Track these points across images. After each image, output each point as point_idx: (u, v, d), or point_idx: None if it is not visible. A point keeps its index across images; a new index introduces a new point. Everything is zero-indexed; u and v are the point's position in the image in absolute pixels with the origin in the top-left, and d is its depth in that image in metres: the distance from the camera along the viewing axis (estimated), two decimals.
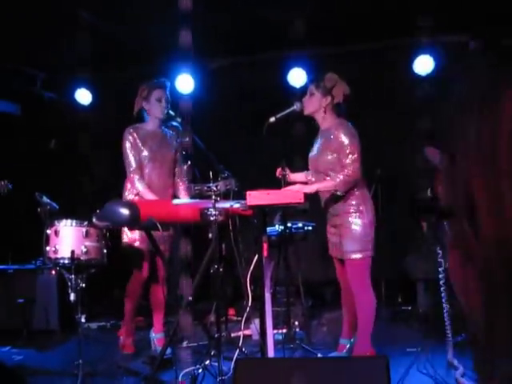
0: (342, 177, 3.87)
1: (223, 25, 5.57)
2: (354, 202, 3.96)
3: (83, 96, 6.66)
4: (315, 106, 4.07)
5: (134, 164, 4.43)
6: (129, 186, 4.50)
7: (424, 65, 5.69)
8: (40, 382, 3.62)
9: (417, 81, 5.77)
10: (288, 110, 4.10)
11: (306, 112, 4.12)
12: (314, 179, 4.16)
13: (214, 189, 3.80)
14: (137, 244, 4.41)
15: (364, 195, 4.02)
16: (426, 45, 5.62)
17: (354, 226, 3.93)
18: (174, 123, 4.67)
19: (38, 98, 6.81)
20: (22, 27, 5.41)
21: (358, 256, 3.91)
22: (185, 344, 4.76)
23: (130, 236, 4.45)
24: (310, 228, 5.08)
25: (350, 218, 3.94)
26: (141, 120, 4.56)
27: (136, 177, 4.41)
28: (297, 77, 5.99)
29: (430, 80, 5.70)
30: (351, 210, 3.95)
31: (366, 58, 6.01)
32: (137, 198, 4.42)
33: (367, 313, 3.96)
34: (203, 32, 5.40)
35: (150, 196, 4.37)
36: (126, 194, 4.49)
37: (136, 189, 4.40)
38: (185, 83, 6.26)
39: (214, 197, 3.76)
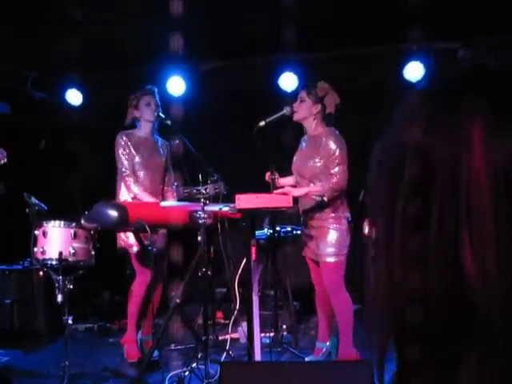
0: (331, 184, 3.93)
1: (214, 27, 5.58)
2: (333, 209, 4.03)
3: (74, 96, 6.64)
4: (305, 112, 4.11)
5: (128, 168, 4.45)
6: (122, 189, 4.50)
7: (414, 71, 5.74)
8: (25, 383, 3.62)
9: (407, 87, 5.81)
10: (278, 114, 4.13)
11: (296, 118, 4.16)
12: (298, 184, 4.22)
13: (203, 192, 3.82)
14: (136, 248, 4.39)
15: (343, 202, 4.10)
16: (417, 51, 5.66)
17: (331, 231, 4.02)
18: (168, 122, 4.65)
19: (28, 97, 6.78)
20: (12, 27, 5.39)
21: (333, 259, 3.99)
22: (172, 346, 4.76)
23: (127, 240, 4.44)
24: (299, 232, 5.10)
25: (328, 223, 4.02)
26: (133, 127, 4.61)
27: (131, 180, 4.43)
28: (288, 81, 6.02)
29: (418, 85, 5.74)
30: (330, 215, 4.03)
31: (357, 63, 6.04)
32: (134, 200, 4.43)
33: (345, 313, 4.03)
34: (194, 34, 5.41)
35: (148, 198, 4.39)
36: (120, 197, 4.50)
37: (132, 192, 4.41)
38: (176, 85, 6.28)
39: (202, 200, 3.78)
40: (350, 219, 4.11)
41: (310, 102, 4.10)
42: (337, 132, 4.11)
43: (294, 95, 4.54)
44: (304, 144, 4.24)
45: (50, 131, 6.90)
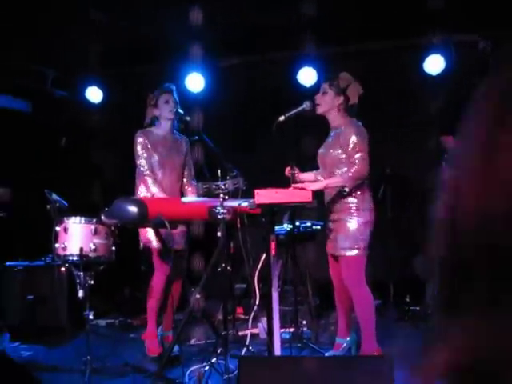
0: (351, 173, 3.90)
1: (232, 24, 5.57)
2: (353, 201, 4.00)
3: (94, 94, 6.69)
4: (328, 104, 4.09)
5: (147, 167, 4.47)
6: (141, 187, 4.52)
7: (435, 64, 5.68)
8: (48, 378, 3.65)
9: (427, 80, 5.75)
10: (298, 109, 4.10)
11: (319, 111, 4.13)
12: (321, 178, 4.20)
13: (222, 187, 3.82)
14: (155, 243, 4.41)
15: (365, 196, 4.05)
16: (437, 44, 5.60)
17: (349, 224, 3.98)
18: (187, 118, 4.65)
19: (49, 95, 6.84)
20: (33, 25, 5.44)
21: (350, 253, 3.95)
22: (192, 342, 4.77)
23: (146, 235, 4.45)
24: (319, 227, 5.08)
25: (347, 216, 3.98)
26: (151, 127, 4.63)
27: (150, 180, 4.44)
28: (307, 76, 5.99)
29: (441, 79, 5.69)
30: (349, 209, 3.99)
31: (376, 57, 5.99)
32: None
33: (366, 309, 3.98)
34: (213, 31, 5.41)
35: (164, 198, 4.40)
36: (139, 194, 4.51)
37: (150, 192, 4.42)
38: (195, 82, 6.29)
39: (222, 195, 3.78)
40: (372, 212, 4.05)
41: (332, 94, 4.08)
42: (358, 122, 4.07)
43: (314, 90, 4.52)
44: (329, 136, 4.22)
45: (71, 129, 6.95)
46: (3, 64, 6.14)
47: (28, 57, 6.30)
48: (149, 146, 4.51)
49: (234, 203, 3.83)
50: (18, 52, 6.09)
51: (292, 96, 5.04)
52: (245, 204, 3.77)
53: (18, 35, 5.57)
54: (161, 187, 4.46)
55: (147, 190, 4.46)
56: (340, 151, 4.01)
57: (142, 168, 4.49)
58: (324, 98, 4.11)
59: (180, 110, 4.52)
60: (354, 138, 3.95)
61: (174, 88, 4.61)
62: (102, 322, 5.61)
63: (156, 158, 4.52)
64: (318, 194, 3.96)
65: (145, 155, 4.49)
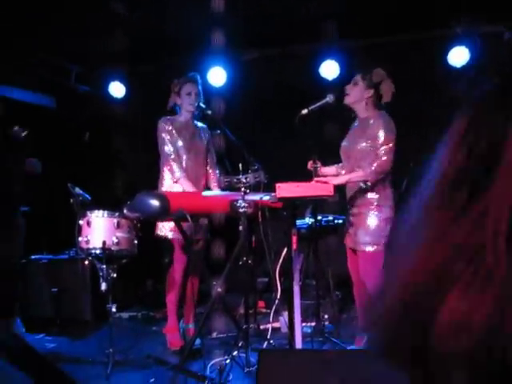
0: (373, 167, 3.86)
1: (254, 17, 5.55)
2: (375, 196, 3.97)
3: (117, 89, 6.73)
4: (356, 96, 4.06)
5: (172, 152, 4.48)
6: (166, 173, 4.53)
7: (459, 56, 5.59)
8: (71, 370, 3.66)
9: (452, 72, 5.67)
10: (320, 103, 4.07)
11: (347, 101, 4.10)
12: (344, 171, 4.17)
13: (244, 181, 3.81)
14: (172, 235, 4.43)
15: (386, 192, 4.01)
16: (461, 36, 5.51)
17: (370, 219, 3.94)
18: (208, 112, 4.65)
19: (73, 91, 6.90)
20: (57, 21, 5.48)
21: (370, 248, 3.92)
22: (214, 335, 4.78)
23: (165, 227, 4.47)
24: (341, 221, 5.05)
25: (368, 211, 3.95)
26: (174, 114, 4.63)
27: (175, 164, 4.46)
28: (329, 69, 5.95)
29: (466, 71, 5.60)
30: (371, 204, 3.96)
31: (400, 49, 5.92)
32: (175, 186, 4.45)
33: None
34: (234, 24, 5.40)
35: (188, 184, 4.41)
36: (164, 182, 4.52)
37: (175, 177, 4.44)
38: (217, 76, 6.29)
39: (243, 189, 3.77)
40: (393, 209, 4.02)
41: (362, 86, 4.04)
42: (387, 115, 4.03)
43: (336, 83, 4.49)
44: (354, 127, 4.18)
45: (94, 124, 7.01)
46: (28, 60, 6.21)
47: (52, 53, 6.36)
48: (173, 132, 4.53)
49: (256, 197, 3.82)
50: (42, 48, 6.15)
51: (315, 89, 5.00)
52: (266, 198, 3.76)
53: (42, 31, 5.62)
54: (186, 172, 4.48)
55: (172, 174, 4.47)
56: (367, 144, 3.97)
57: (167, 152, 4.50)
58: (354, 89, 4.07)
59: (202, 104, 4.51)
60: (382, 131, 3.91)
61: (198, 78, 4.59)
62: (125, 315, 5.65)
63: (180, 142, 4.54)
64: (339, 188, 3.93)
65: (169, 140, 4.51)
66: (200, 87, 4.57)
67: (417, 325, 0.56)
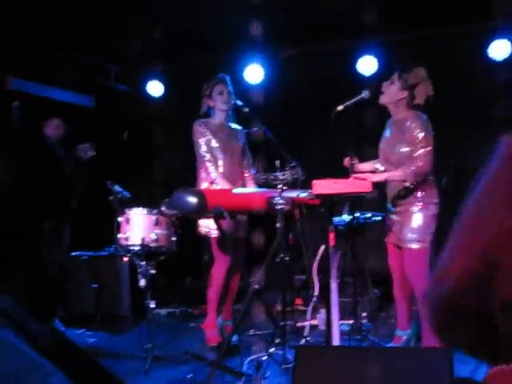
0: (413, 168, 3.80)
1: (291, 14, 5.53)
2: (420, 194, 3.90)
3: (154, 88, 6.81)
4: (390, 95, 3.99)
5: (207, 154, 4.52)
6: (203, 174, 4.56)
7: (500, 49, 5.47)
8: (111, 364, 3.69)
9: (492, 66, 5.54)
10: (356, 98, 4.02)
11: (380, 101, 4.04)
12: (380, 167, 4.12)
13: (281, 178, 3.81)
14: (213, 233, 4.45)
15: (432, 190, 3.94)
16: (502, 29, 5.38)
17: (416, 216, 3.89)
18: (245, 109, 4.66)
19: (112, 90, 7.01)
20: (95, 20, 5.56)
21: (416, 246, 3.87)
22: (251, 332, 4.79)
23: (206, 226, 4.49)
24: (379, 218, 4.99)
25: (413, 208, 3.89)
26: (208, 117, 4.67)
27: (211, 166, 4.49)
28: (367, 65, 5.89)
29: (507, 65, 5.47)
30: (416, 201, 3.89)
31: (439, 43, 5.82)
32: (212, 186, 4.48)
33: None
34: (271, 21, 5.39)
35: (225, 184, 4.43)
36: (200, 184, 4.56)
37: (211, 177, 4.47)
38: (254, 73, 6.30)
39: (280, 186, 3.76)
40: (438, 206, 3.96)
41: (397, 87, 3.96)
42: (424, 116, 3.95)
43: (373, 79, 4.43)
44: (389, 129, 4.12)
45: (133, 122, 7.09)
46: (68, 61, 6.33)
47: (91, 53, 6.46)
48: (208, 133, 4.56)
49: (293, 194, 3.81)
50: (81, 48, 6.26)
51: (352, 85, 4.96)
52: (303, 194, 3.75)
53: (81, 32, 5.71)
54: (222, 173, 4.50)
55: (208, 175, 4.50)
56: (407, 147, 3.90)
57: (202, 155, 4.53)
58: (390, 88, 4.00)
59: (238, 102, 4.52)
60: (420, 133, 3.84)
61: (227, 78, 4.63)
62: (163, 311, 5.71)
63: (216, 144, 4.56)
64: (378, 185, 3.89)
65: (205, 142, 4.54)
66: (230, 87, 4.59)
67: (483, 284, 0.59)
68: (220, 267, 4.47)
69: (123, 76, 7.03)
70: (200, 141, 4.55)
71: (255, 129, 5.00)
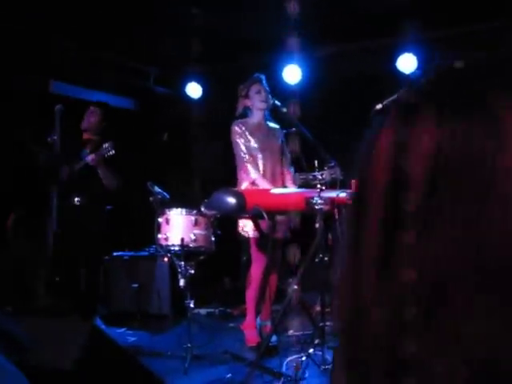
0: None
1: (329, 12, 5.49)
2: None
3: (193, 90, 6.85)
4: None
5: (246, 154, 4.52)
6: (243, 175, 4.56)
7: None
8: (150, 363, 3.75)
9: None
10: (395, 97, 3.96)
11: None
12: None
13: (320, 178, 3.78)
14: (252, 233, 4.45)
15: None
16: None
17: None
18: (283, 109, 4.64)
19: (152, 92, 7.09)
20: (134, 25, 5.64)
21: None
22: (290, 332, 4.77)
23: (246, 226, 4.50)
24: None
25: None
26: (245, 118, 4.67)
27: (250, 166, 4.48)
28: (406, 63, 5.81)
29: None
30: None
31: (482, 39, 5.69)
32: (252, 187, 4.48)
33: None
34: (309, 20, 5.36)
35: (265, 184, 4.42)
36: (240, 185, 4.56)
37: (251, 178, 4.47)
38: (292, 73, 6.28)
39: (319, 186, 3.74)
40: None
41: None
42: None
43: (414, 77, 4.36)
44: None
45: (172, 124, 7.16)
46: (109, 64, 6.43)
47: (131, 56, 6.55)
48: (246, 133, 4.55)
49: (332, 194, 3.78)
50: (121, 52, 6.35)
51: (392, 84, 4.89)
52: (343, 195, 3.71)
53: (121, 35, 5.80)
54: (262, 172, 4.49)
55: (248, 176, 4.49)
56: None
57: (241, 155, 4.53)
58: None
59: (277, 102, 4.51)
60: None
61: (263, 77, 4.62)
62: (203, 311, 5.74)
63: (255, 144, 4.55)
64: None
65: (243, 143, 4.54)
66: (266, 86, 4.58)
67: None
68: (258, 268, 4.47)
69: (163, 78, 7.10)
70: (238, 141, 4.55)
71: (293, 129, 4.98)
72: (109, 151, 4.91)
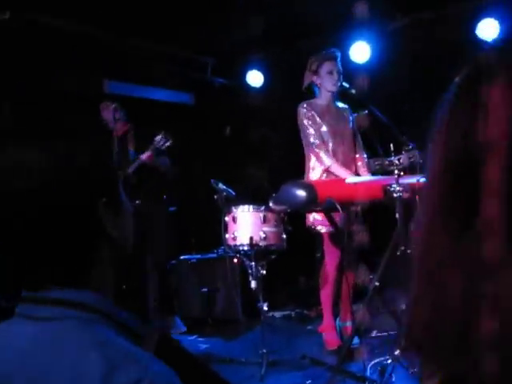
0: None
1: None
2: None
3: (254, 78, 6.83)
4: None
5: (317, 139, 4.40)
6: (313, 162, 4.46)
7: None
8: (224, 371, 3.76)
9: None
10: None
11: None
12: None
13: (397, 162, 3.67)
14: (324, 227, 4.38)
15: None
16: None
17: None
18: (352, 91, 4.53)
19: (210, 85, 7.11)
20: (187, 15, 5.66)
21: None
22: (373, 333, 4.68)
23: (316, 220, 4.43)
24: None
25: None
26: (310, 95, 4.55)
27: (322, 152, 4.37)
28: (487, 28, 5.57)
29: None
30: None
31: None
32: (325, 175, 4.39)
33: None
34: None
35: (341, 170, 4.31)
36: (311, 174, 4.47)
37: (324, 165, 4.35)
38: (360, 51, 6.14)
39: (396, 171, 3.63)
40: None
41: None
42: None
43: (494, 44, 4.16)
44: None
45: (234, 116, 7.16)
46: (162, 57, 6.50)
47: (186, 47, 6.59)
48: (315, 116, 4.44)
49: (412, 179, 3.67)
50: (176, 44, 6.40)
51: (471, 53, 4.70)
52: (423, 180, 3.59)
53: (175, 26, 5.84)
54: (334, 158, 4.38)
55: (320, 162, 4.38)
56: None
57: (311, 140, 4.41)
58: None
59: (345, 84, 4.40)
60: None
61: (339, 55, 4.47)
62: (278, 314, 5.72)
63: (325, 127, 4.43)
64: None
65: (312, 126, 4.42)
66: (340, 65, 4.46)
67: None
68: (331, 265, 4.40)
69: (220, 68, 7.10)
70: (307, 125, 4.42)
71: (365, 111, 4.86)
72: (165, 143, 4.94)
